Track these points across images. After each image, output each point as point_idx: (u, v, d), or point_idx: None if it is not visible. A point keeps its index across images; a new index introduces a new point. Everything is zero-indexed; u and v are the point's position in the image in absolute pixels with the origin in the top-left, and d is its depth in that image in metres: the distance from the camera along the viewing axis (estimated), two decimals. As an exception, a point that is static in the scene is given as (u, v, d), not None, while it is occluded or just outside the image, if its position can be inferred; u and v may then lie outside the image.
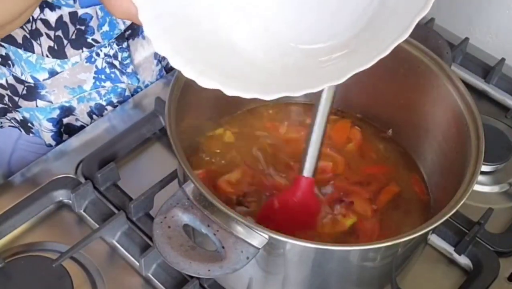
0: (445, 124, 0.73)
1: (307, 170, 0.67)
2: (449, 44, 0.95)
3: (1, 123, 0.94)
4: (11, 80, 0.85)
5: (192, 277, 0.70)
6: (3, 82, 0.86)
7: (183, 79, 0.70)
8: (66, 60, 0.82)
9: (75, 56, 0.82)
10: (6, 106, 0.90)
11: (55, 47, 0.81)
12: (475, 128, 0.68)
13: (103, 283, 0.72)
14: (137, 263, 0.74)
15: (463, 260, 0.77)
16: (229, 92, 0.54)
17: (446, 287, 0.76)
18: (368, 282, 0.68)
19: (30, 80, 0.84)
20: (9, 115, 0.92)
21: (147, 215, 0.78)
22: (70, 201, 0.78)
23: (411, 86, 0.77)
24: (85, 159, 0.82)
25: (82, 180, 0.80)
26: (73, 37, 0.80)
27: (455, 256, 0.78)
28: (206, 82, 0.54)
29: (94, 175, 0.79)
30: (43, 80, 0.84)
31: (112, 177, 0.80)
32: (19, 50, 0.81)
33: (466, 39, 1.02)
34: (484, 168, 0.85)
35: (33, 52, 0.81)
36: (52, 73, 0.83)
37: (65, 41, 0.80)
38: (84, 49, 0.82)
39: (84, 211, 0.78)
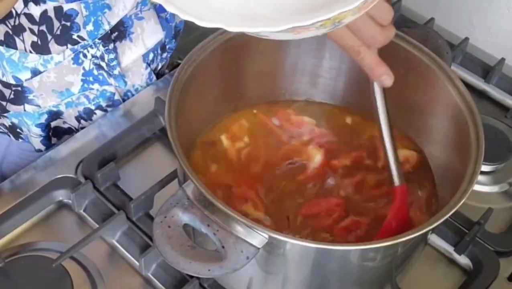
0: (445, 124, 0.73)
1: (396, 179, 0.70)
2: (449, 44, 0.95)
3: None
4: None
5: (192, 277, 0.70)
6: None
7: (183, 78, 0.70)
8: (49, 59, 0.81)
9: (59, 54, 0.82)
10: None
11: (39, 42, 0.80)
12: (475, 128, 0.68)
13: (103, 283, 0.72)
14: (137, 263, 0.74)
15: (463, 260, 0.77)
16: (169, 8, 0.53)
17: (446, 287, 0.76)
18: (368, 282, 0.68)
19: (12, 81, 0.83)
20: None
21: (147, 215, 0.78)
22: (70, 201, 0.78)
23: (411, 86, 0.77)
24: (85, 159, 0.82)
25: (82, 180, 0.80)
26: (58, 32, 0.80)
27: (455, 256, 0.78)
28: None
29: (94, 175, 0.79)
30: (26, 80, 0.83)
31: (112, 177, 0.80)
32: (1, 48, 0.80)
33: (466, 39, 1.02)
34: (484, 168, 0.85)
35: (16, 48, 0.80)
36: (35, 73, 0.82)
37: (49, 36, 0.80)
38: (69, 45, 0.81)
39: (84, 211, 0.78)
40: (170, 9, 0.54)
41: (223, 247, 0.59)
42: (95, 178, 0.79)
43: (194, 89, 0.71)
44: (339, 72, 0.81)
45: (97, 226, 0.76)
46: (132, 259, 0.74)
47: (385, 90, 0.79)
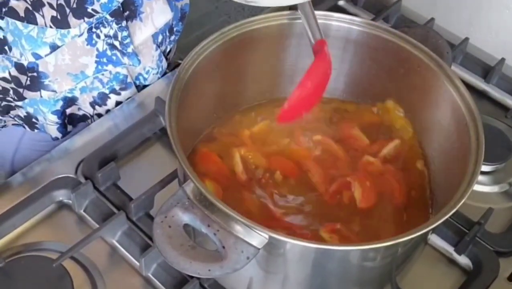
0: (445, 124, 0.73)
1: (316, 34, 0.71)
2: (449, 44, 0.95)
3: (5, 121, 0.94)
4: (14, 72, 0.86)
5: (192, 277, 0.70)
6: (6, 75, 0.86)
7: (184, 78, 0.70)
8: (66, 33, 0.83)
9: (76, 28, 0.83)
10: (10, 102, 0.90)
11: (58, 17, 0.81)
12: (475, 128, 0.68)
13: (103, 283, 0.72)
14: (137, 263, 0.74)
15: (463, 260, 0.77)
16: None
17: (446, 287, 0.76)
18: (368, 282, 0.68)
19: (31, 58, 0.84)
20: (12, 113, 0.92)
21: (147, 215, 0.78)
22: (70, 201, 0.78)
23: (411, 86, 0.77)
24: (85, 159, 0.82)
25: (82, 180, 0.80)
26: (74, 6, 0.81)
27: (455, 256, 0.78)
28: None
29: (94, 175, 0.79)
30: (45, 55, 0.84)
31: (112, 177, 0.80)
32: (19, 25, 0.81)
33: (466, 39, 1.02)
34: (484, 168, 0.85)
35: (36, 24, 0.81)
36: (54, 47, 0.84)
37: (67, 10, 0.81)
38: (86, 18, 0.83)
39: (84, 211, 0.78)
40: None
41: (223, 247, 0.59)
42: (95, 178, 0.79)
43: (195, 89, 0.72)
44: (339, 72, 0.81)
45: (97, 226, 0.76)
46: (132, 259, 0.74)
47: (385, 89, 0.79)
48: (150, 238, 0.75)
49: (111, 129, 0.87)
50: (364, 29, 0.76)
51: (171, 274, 0.72)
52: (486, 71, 1.00)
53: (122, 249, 0.75)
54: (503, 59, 1.00)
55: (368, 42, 0.77)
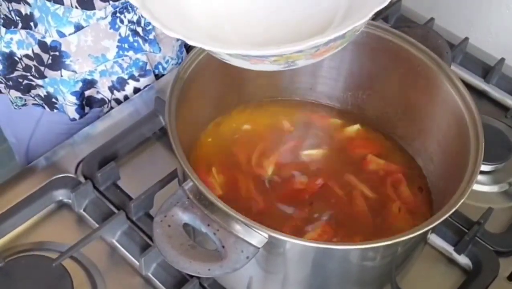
0: (445, 124, 0.73)
1: None
2: (449, 44, 0.95)
3: (25, 100, 0.96)
4: (37, 50, 0.87)
5: (192, 276, 0.71)
6: (29, 52, 0.88)
7: (184, 78, 0.70)
8: (91, 14, 0.84)
9: (101, 10, 0.84)
10: (31, 81, 0.92)
11: None
12: (475, 128, 0.68)
13: (103, 283, 0.72)
14: (137, 263, 0.74)
15: (463, 259, 0.77)
16: (154, 22, 0.58)
17: (446, 287, 0.76)
18: (368, 281, 0.68)
19: (56, 35, 0.85)
20: (33, 92, 0.94)
21: (147, 214, 0.78)
22: (70, 201, 0.78)
23: (411, 86, 0.77)
24: (85, 158, 0.82)
25: (82, 179, 0.80)
26: None
27: (455, 255, 0.78)
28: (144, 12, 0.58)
29: (94, 175, 0.79)
30: (69, 34, 0.85)
31: (112, 177, 0.80)
32: (47, 2, 0.83)
33: (466, 39, 1.02)
34: (484, 167, 0.85)
35: (62, 4, 0.83)
36: (78, 27, 0.85)
37: None
38: (111, 1, 0.84)
39: (84, 210, 0.78)
40: (143, 13, 0.58)
41: (223, 246, 0.59)
42: (95, 177, 0.79)
43: (194, 89, 0.72)
44: (338, 72, 0.81)
45: (97, 226, 0.76)
46: (132, 259, 0.74)
47: (384, 88, 0.79)
48: (150, 238, 0.75)
49: (111, 129, 0.87)
50: (364, 29, 0.76)
51: (171, 273, 0.72)
52: (486, 71, 1.00)
53: (122, 249, 0.75)
54: (503, 59, 1.00)
55: (368, 42, 0.77)
